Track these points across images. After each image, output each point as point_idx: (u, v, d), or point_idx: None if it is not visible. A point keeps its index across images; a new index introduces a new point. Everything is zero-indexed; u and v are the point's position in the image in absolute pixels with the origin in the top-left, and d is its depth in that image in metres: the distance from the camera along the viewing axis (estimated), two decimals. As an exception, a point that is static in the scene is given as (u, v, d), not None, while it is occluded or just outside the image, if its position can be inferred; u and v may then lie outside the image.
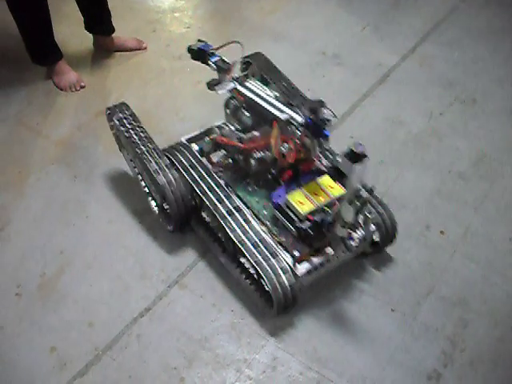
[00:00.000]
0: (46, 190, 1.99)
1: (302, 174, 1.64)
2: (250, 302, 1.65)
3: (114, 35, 2.54)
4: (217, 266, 1.74)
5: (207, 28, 2.64)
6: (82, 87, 2.38)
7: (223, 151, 1.79)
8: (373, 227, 1.63)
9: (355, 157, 1.36)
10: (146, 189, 1.86)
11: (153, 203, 1.86)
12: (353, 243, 1.57)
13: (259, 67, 1.92)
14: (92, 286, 1.71)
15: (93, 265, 1.76)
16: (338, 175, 1.53)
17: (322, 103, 1.49)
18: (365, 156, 1.37)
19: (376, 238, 1.68)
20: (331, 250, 1.59)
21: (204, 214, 1.77)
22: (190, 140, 1.86)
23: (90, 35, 2.55)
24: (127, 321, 1.63)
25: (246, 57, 1.92)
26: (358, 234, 1.60)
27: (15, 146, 2.15)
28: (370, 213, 1.61)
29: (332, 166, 1.61)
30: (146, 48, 2.60)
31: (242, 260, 1.64)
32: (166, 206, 1.78)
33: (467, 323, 1.60)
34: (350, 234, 1.57)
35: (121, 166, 2.00)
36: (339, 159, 1.42)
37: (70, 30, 2.63)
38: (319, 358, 1.53)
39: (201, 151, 1.80)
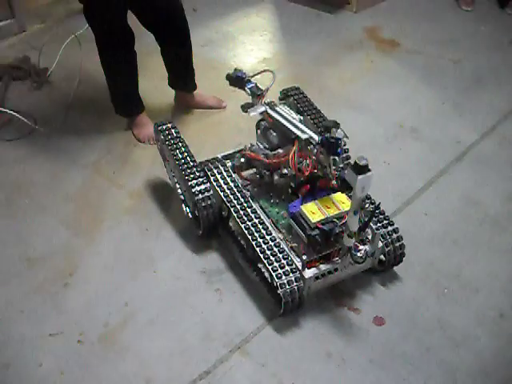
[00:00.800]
0: (117, 240, 2.02)
1: (318, 189, 1.80)
2: (312, 377, 1.61)
3: (195, 92, 2.61)
4: (280, 334, 1.72)
5: (286, 92, 2.68)
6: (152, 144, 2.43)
7: (253, 169, 2.00)
8: (380, 244, 1.77)
9: (359, 169, 1.47)
10: (182, 196, 2.04)
11: (186, 209, 2.04)
12: (358, 254, 1.69)
13: (296, 100, 2.20)
14: (153, 342, 1.70)
15: (156, 321, 1.76)
16: (347, 187, 1.67)
17: (336, 123, 1.67)
18: (368, 169, 1.47)
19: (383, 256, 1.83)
20: (338, 259, 1.73)
21: (230, 224, 1.96)
22: (226, 157, 2.07)
23: (173, 91, 2.63)
24: (185, 382, 1.61)
25: (285, 90, 2.24)
26: (366, 248, 1.72)
27: (91, 193, 2.21)
28: (377, 229, 1.77)
29: (339, 177, 1.74)
30: (225, 107, 2.66)
31: (259, 265, 1.80)
32: (197, 213, 1.93)
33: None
34: (357, 246, 1.70)
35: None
36: (346, 172, 1.54)
37: (154, 85, 2.72)
38: None
39: (233, 167, 1.98)
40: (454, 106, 2.66)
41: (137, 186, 2.21)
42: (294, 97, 2.22)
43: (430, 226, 2.05)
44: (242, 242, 1.90)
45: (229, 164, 1.98)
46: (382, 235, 1.79)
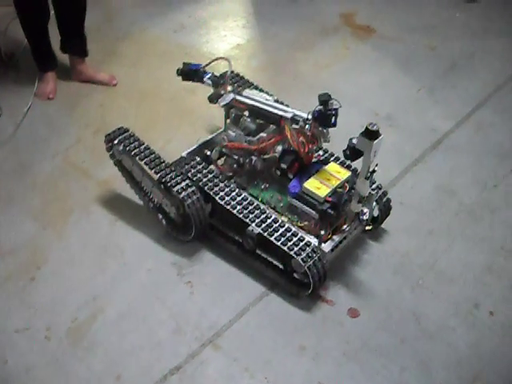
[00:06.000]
0: (86, 232, 1.96)
1: (304, 165, 1.81)
2: (285, 371, 1.58)
3: (88, 64, 2.65)
4: (253, 328, 1.68)
5: (259, 79, 2.60)
6: (50, 98, 2.55)
7: (225, 159, 1.96)
8: (374, 203, 1.81)
9: (371, 134, 1.52)
10: (151, 204, 1.95)
11: (160, 216, 1.94)
12: (364, 218, 1.73)
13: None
14: (123, 337, 1.66)
15: (126, 315, 1.71)
16: (353, 155, 1.66)
17: (329, 95, 1.66)
18: (380, 133, 1.52)
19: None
20: (347, 227, 1.78)
21: (214, 221, 1.89)
22: (191, 154, 1.97)
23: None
24: (156, 378, 1.57)
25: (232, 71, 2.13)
26: (366, 209, 1.74)
27: (60, 183, 2.15)
28: (372, 189, 1.81)
29: (348, 147, 1.68)
30: (115, 84, 2.65)
31: (258, 252, 1.80)
32: (176, 218, 1.87)
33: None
34: (362, 209, 1.72)
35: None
36: (354, 140, 1.59)
37: (124, 71, 2.67)
38: None
39: (205, 161, 1.91)
40: (430, 93, 2.63)
41: (106, 176, 2.14)
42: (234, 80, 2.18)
43: (405, 216, 2.02)
44: (236, 237, 1.85)
45: (198, 159, 1.90)
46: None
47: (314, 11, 3.28)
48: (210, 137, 2.04)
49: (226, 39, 3.03)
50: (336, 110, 1.66)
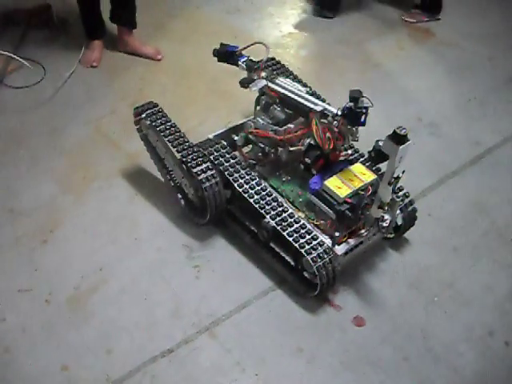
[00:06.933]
0: (104, 202, 1.96)
1: (330, 162, 1.75)
2: (278, 370, 1.53)
3: (135, 36, 2.64)
4: (252, 322, 1.64)
5: (306, 70, 2.56)
6: (93, 66, 2.57)
7: (252, 146, 1.90)
8: (398, 211, 1.73)
9: (399, 138, 1.43)
10: (171, 183, 1.93)
11: (179, 196, 1.92)
12: (384, 224, 1.65)
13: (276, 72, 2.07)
14: (121, 312, 1.64)
15: (127, 290, 1.70)
16: (378, 158, 1.61)
17: (360, 92, 1.58)
18: (408, 139, 1.44)
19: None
20: (364, 232, 1.70)
21: (232, 208, 1.85)
22: (218, 137, 1.91)
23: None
24: (146, 357, 1.55)
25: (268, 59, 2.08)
26: (387, 216, 1.67)
27: (88, 150, 2.15)
28: (398, 197, 1.74)
29: (373, 149, 1.65)
30: (160, 59, 2.64)
31: (272, 245, 1.76)
32: (194, 200, 1.83)
33: None
34: (383, 216, 1.65)
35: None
36: (381, 143, 1.53)
37: (172, 47, 2.65)
38: None
39: (231, 146, 1.86)
40: (480, 104, 2.50)
41: (134, 149, 2.12)
42: (271, 67, 2.12)
43: (431, 229, 1.93)
44: (252, 227, 1.81)
45: (223, 143, 1.85)
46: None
47: (375, 8, 3.17)
48: (239, 122, 1.98)
49: (280, 26, 2.97)
50: (366, 108, 1.58)
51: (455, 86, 2.62)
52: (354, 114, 1.60)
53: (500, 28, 3.04)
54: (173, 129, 1.85)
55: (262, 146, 1.85)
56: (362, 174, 1.71)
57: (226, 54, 1.92)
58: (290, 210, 1.70)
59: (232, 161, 1.79)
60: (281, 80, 1.85)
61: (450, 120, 2.41)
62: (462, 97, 2.55)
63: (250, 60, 1.91)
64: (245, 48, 1.90)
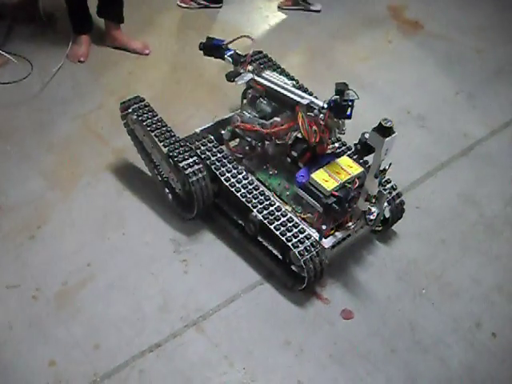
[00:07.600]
0: (92, 197, 1.95)
1: (317, 155, 1.75)
2: (266, 364, 1.53)
3: (123, 31, 2.62)
4: (240, 316, 1.64)
5: (294, 63, 2.56)
6: (81, 61, 2.54)
7: (239, 140, 1.90)
8: (386, 204, 1.72)
9: (384, 130, 1.43)
10: (159, 177, 1.92)
11: (166, 191, 1.91)
12: (371, 217, 1.66)
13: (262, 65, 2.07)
14: (109, 307, 1.64)
15: (115, 285, 1.69)
16: (364, 150, 1.60)
17: (346, 85, 1.57)
18: (393, 131, 1.44)
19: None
20: (352, 225, 1.70)
21: (220, 202, 1.85)
22: (204, 131, 1.91)
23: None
24: (134, 352, 1.55)
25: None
26: (374, 209, 1.67)
27: (75, 146, 2.14)
28: (385, 189, 1.75)
29: (359, 141, 1.64)
30: (148, 54, 2.62)
31: (260, 239, 1.77)
32: (181, 194, 1.83)
33: None
34: (370, 209, 1.65)
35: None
36: (367, 135, 1.53)
37: (159, 41, 2.65)
38: None
39: (218, 140, 1.85)
40: (469, 97, 2.51)
41: (122, 144, 2.11)
42: (258, 61, 2.11)
43: (419, 221, 1.93)
44: (240, 220, 1.81)
45: (210, 137, 1.85)
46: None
47: (363, 0, 3.17)
48: (226, 116, 1.98)
49: (268, 20, 2.95)
50: (352, 101, 1.58)
51: (443, 78, 2.62)
52: (340, 107, 1.59)
53: (489, 20, 3.04)
54: (159, 123, 1.84)
55: (249, 139, 1.85)
56: (349, 167, 1.71)
57: (212, 48, 1.91)
58: (277, 204, 1.70)
59: (219, 155, 1.79)
60: (267, 73, 1.85)
61: (438, 112, 2.41)
62: (451, 89, 2.55)
63: (237, 53, 1.90)
64: (231, 41, 1.89)
